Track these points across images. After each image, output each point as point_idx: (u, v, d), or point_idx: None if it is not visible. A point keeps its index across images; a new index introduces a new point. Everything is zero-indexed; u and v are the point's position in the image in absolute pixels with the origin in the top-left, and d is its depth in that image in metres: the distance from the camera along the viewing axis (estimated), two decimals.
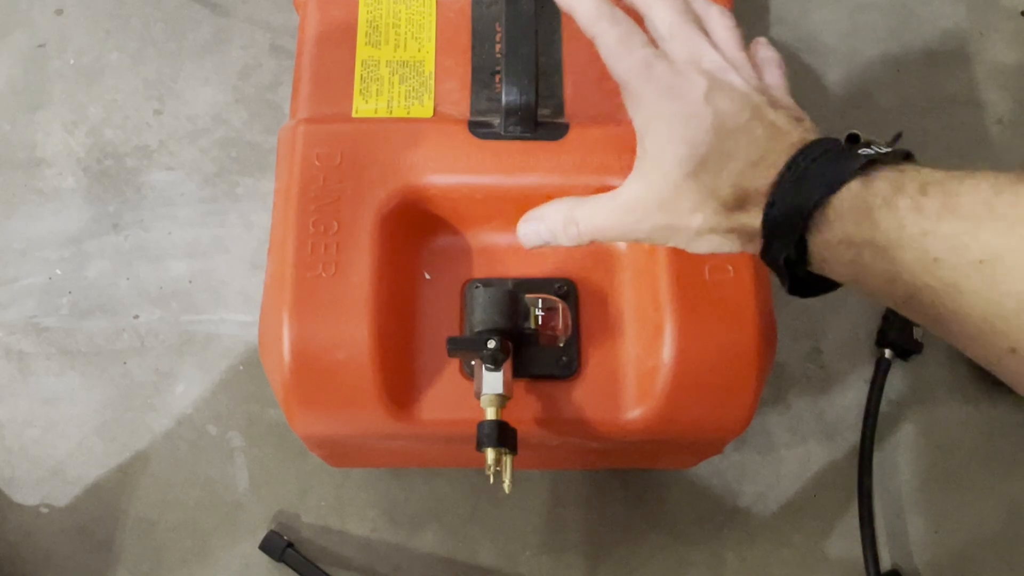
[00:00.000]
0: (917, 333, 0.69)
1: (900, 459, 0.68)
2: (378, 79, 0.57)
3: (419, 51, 0.58)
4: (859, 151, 0.38)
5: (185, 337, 0.70)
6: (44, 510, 0.66)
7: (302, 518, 0.65)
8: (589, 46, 0.59)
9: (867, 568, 0.63)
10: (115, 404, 0.68)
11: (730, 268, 0.52)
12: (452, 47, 0.58)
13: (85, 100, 0.78)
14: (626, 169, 0.53)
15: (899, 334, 0.69)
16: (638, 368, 0.52)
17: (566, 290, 0.54)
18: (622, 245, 0.55)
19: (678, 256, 0.52)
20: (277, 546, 0.63)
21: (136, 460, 0.67)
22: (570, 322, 0.52)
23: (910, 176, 0.37)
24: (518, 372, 0.50)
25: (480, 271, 0.55)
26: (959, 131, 0.78)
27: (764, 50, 0.46)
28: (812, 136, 0.40)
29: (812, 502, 0.67)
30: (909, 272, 0.35)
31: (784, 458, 0.68)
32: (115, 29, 0.80)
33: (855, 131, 0.40)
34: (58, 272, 0.72)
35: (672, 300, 0.51)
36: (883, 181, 0.37)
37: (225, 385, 0.69)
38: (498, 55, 0.58)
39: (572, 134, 0.54)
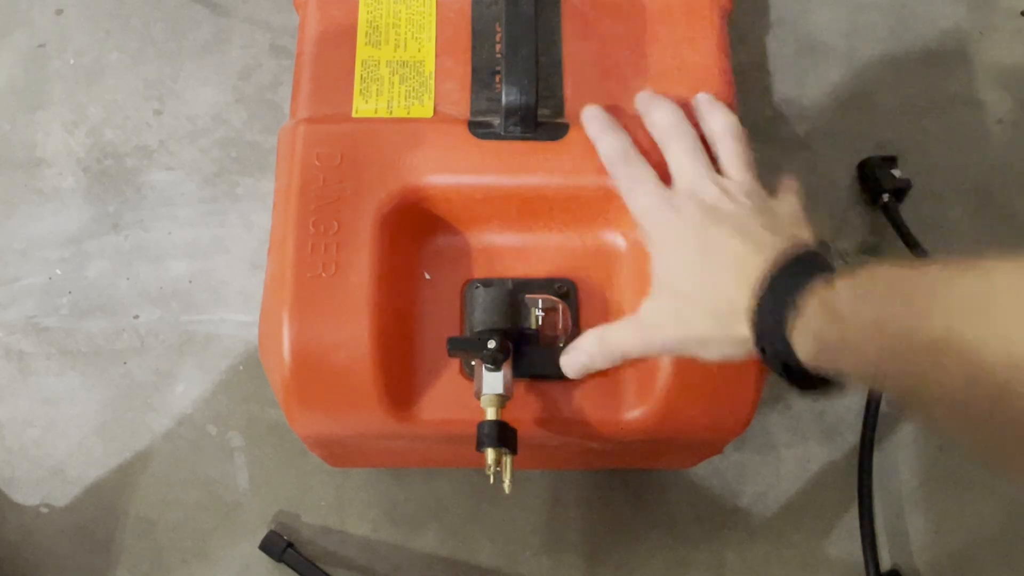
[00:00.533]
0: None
1: (900, 459, 0.68)
2: (378, 79, 0.57)
3: (419, 51, 0.58)
4: (827, 257, 0.43)
5: (185, 337, 0.70)
6: (44, 510, 0.66)
7: (302, 518, 0.65)
8: (589, 46, 0.59)
9: (867, 568, 0.63)
10: (115, 404, 0.68)
11: None
12: (452, 47, 0.58)
13: (85, 100, 0.78)
14: None
15: None
16: (638, 368, 0.52)
17: (566, 290, 0.54)
18: (622, 245, 0.55)
19: None
20: (277, 546, 0.63)
21: (136, 460, 0.67)
22: (570, 322, 0.52)
23: (861, 272, 0.40)
24: (518, 372, 0.50)
25: (480, 271, 0.55)
26: (959, 131, 0.78)
27: (786, 180, 0.52)
28: (791, 248, 0.44)
29: (812, 502, 0.67)
30: (876, 364, 0.38)
31: (784, 458, 0.68)
32: (115, 29, 0.80)
33: (827, 243, 0.43)
34: (58, 272, 0.72)
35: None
36: (842, 280, 0.40)
37: (225, 385, 0.69)
38: (498, 55, 0.58)
39: (572, 134, 0.54)
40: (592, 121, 0.53)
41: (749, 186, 0.50)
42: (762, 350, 0.43)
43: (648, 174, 0.51)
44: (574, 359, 0.50)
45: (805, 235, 0.47)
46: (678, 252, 0.48)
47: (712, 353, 0.47)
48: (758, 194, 0.49)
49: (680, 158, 0.51)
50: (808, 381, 0.43)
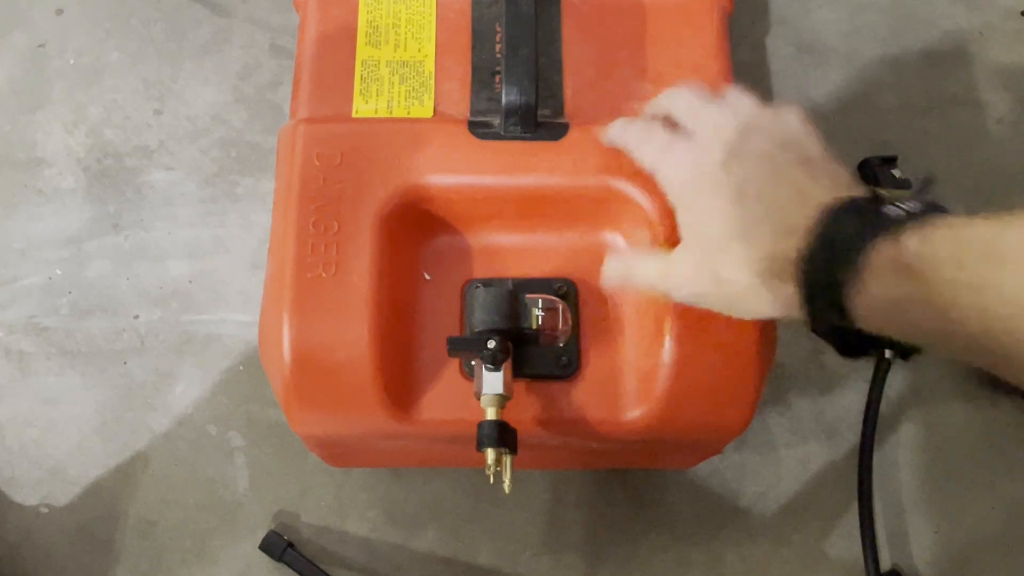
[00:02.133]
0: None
1: (900, 459, 0.68)
2: (378, 79, 0.57)
3: (419, 51, 0.58)
4: (884, 210, 0.38)
5: (185, 337, 0.70)
6: (44, 510, 0.66)
7: (302, 518, 0.65)
8: (589, 46, 0.59)
9: (867, 568, 0.63)
10: (115, 404, 0.68)
11: None
12: (452, 47, 0.58)
13: (85, 100, 0.78)
14: (626, 169, 0.54)
15: None
16: (638, 368, 0.52)
17: (566, 290, 0.54)
18: (622, 245, 0.55)
19: None
20: (277, 546, 0.63)
21: (136, 460, 0.67)
22: (570, 322, 0.52)
23: (940, 231, 0.36)
24: (518, 372, 0.50)
25: (480, 271, 0.55)
26: (959, 131, 0.78)
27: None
28: (837, 194, 0.40)
29: (812, 502, 0.67)
30: (961, 325, 0.35)
31: (784, 458, 0.68)
32: (115, 29, 0.80)
33: (877, 190, 0.40)
34: (58, 272, 0.72)
35: (672, 300, 0.51)
36: (914, 238, 0.36)
37: (225, 385, 0.69)
38: (498, 55, 0.58)
39: (572, 134, 0.54)
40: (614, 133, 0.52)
41: (771, 119, 0.45)
42: (809, 310, 0.40)
43: (655, 125, 0.48)
44: (608, 273, 0.50)
45: (846, 178, 0.42)
46: (704, 199, 0.43)
47: (742, 310, 0.44)
48: (783, 128, 0.45)
49: (689, 100, 0.47)
50: (855, 344, 0.40)
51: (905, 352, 0.69)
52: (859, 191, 0.41)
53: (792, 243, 0.39)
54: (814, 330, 0.41)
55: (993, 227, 0.35)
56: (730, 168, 0.43)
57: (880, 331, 0.38)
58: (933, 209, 0.38)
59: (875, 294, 0.37)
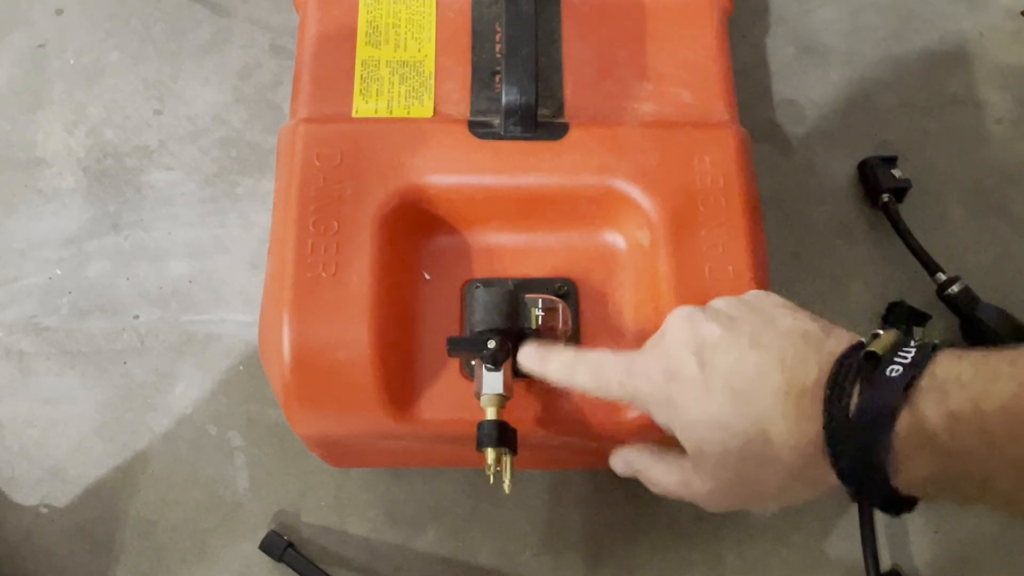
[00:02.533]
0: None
1: None
2: (378, 79, 0.57)
3: (419, 51, 0.58)
4: (887, 372, 0.36)
5: (185, 337, 0.70)
6: (44, 510, 0.66)
7: (302, 518, 0.65)
8: (589, 46, 0.59)
9: (867, 568, 0.62)
10: (115, 404, 0.68)
11: (730, 268, 0.52)
12: (452, 47, 0.58)
13: (85, 100, 0.78)
14: (626, 169, 0.54)
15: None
16: None
17: (566, 290, 0.54)
18: (622, 245, 0.55)
19: (678, 256, 0.52)
20: (277, 546, 0.63)
21: (136, 460, 0.67)
22: (570, 322, 0.52)
23: (955, 397, 0.34)
24: (518, 372, 0.50)
25: (480, 271, 0.55)
26: (959, 131, 0.78)
27: None
28: (829, 353, 0.37)
29: (812, 502, 0.66)
30: (1017, 488, 0.34)
31: None
32: (115, 29, 0.80)
33: (864, 343, 0.38)
34: (58, 272, 0.72)
35: (672, 300, 0.51)
36: (932, 407, 0.34)
37: (225, 385, 0.69)
38: (498, 55, 0.58)
39: (572, 134, 0.54)
40: (528, 360, 0.48)
41: (734, 298, 0.43)
42: (857, 494, 0.38)
43: (606, 357, 0.44)
44: (615, 466, 0.48)
45: (817, 335, 0.39)
46: (696, 416, 0.40)
47: (788, 502, 0.41)
48: (749, 302, 0.42)
49: (639, 361, 0.43)
50: (910, 505, 0.38)
51: None
52: (848, 347, 0.38)
53: (811, 427, 0.37)
54: (862, 503, 0.39)
55: (1000, 383, 0.33)
56: (708, 368, 0.39)
57: (938, 499, 0.37)
58: (931, 352, 0.36)
59: (914, 473, 0.35)
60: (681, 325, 0.42)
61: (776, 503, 0.41)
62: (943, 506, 0.66)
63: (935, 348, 0.36)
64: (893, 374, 0.35)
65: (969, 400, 0.34)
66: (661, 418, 0.42)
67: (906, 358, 0.36)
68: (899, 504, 0.38)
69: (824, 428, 0.36)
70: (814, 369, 0.37)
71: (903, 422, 0.34)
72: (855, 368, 0.37)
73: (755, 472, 0.39)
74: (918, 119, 0.78)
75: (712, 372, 0.39)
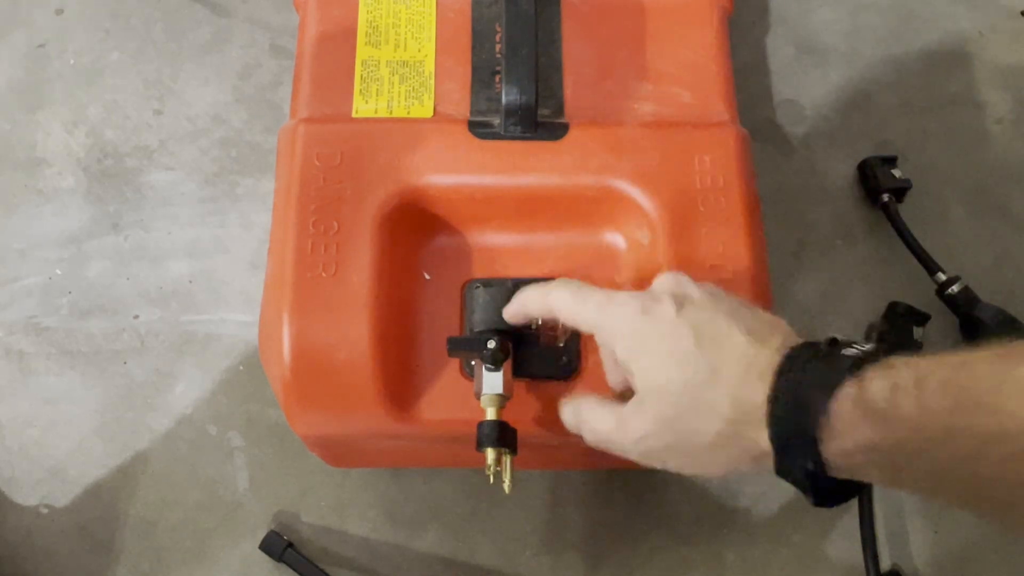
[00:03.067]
0: (917, 333, 0.69)
1: None
2: (378, 79, 0.57)
3: (419, 51, 0.58)
4: (843, 352, 0.37)
5: (185, 337, 0.70)
6: (44, 510, 0.66)
7: (302, 518, 0.65)
8: (589, 46, 0.59)
9: (867, 568, 0.63)
10: (115, 404, 0.68)
11: (730, 268, 0.52)
12: (452, 47, 0.58)
13: (85, 100, 0.78)
14: (626, 169, 0.54)
15: (899, 334, 0.69)
16: None
17: None
18: (622, 245, 0.55)
19: (678, 256, 0.52)
20: (277, 546, 0.63)
21: (136, 460, 0.67)
22: None
23: (902, 372, 0.35)
24: (518, 372, 0.50)
25: (480, 271, 0.55)
26: (959, 131, 0.78)
27: None
28: (792, 340, 0.39)
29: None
30: (950, 473, 0.34)
31: None
32: (115, 29, 0.80)
33: (834, 335, 0.39)
34: (58, 272, 0.72)
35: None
36: (878, 380, 0.36)
37: (225, 385, 0.69)
38: (498, 55, 0.58)
39: (572, 134, 0.54)
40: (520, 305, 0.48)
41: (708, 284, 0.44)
42: (781, 462, 0.38)
43: (585, 287, 0.45)
44: (563, 417, 0.48)
45: (788, 329, 0.41)
46: (661, 344, 0.41)
47: (707, 462, 0.41)
48: (716, 289, 0.44)
49: (621, 294, 0.44)
50: (832, 492, 0.39)
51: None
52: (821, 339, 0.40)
53: (756, 386, 0.38)
54: (786, 477, 0.39)
55: (947, 370, 0.34)
56: (684, 313, 0.41)
57: (864, 477, 0.37)
58: (890, 351, 0.37)
59: (849, 441, 0.36)
60: (669, 279, 0.44)
61: (700, 464, 0.42)
62: (943, 506, 0.66)
63: (894, 349, 0.38)
64: (847, 353, 0.37)
65: (913, 376, 0.35)
66: (623, 351, 0.42)
67: (864, 347, 0.38)
68: (821, 485, 0.38)
69: (769, 391, 0.38)
70: (777, 343, 0.39)
71: (847, 391, 0.36)
72: (815, 349, 0.38)
73: (694, 418, 0.40)
74: (918, 119, 0.78)
75: (685, 318, 0.41)
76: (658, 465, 0.43)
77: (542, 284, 0.47)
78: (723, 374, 0.39)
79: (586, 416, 0.46)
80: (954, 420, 0.33)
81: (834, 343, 0.38)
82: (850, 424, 0.35)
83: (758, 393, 0.38)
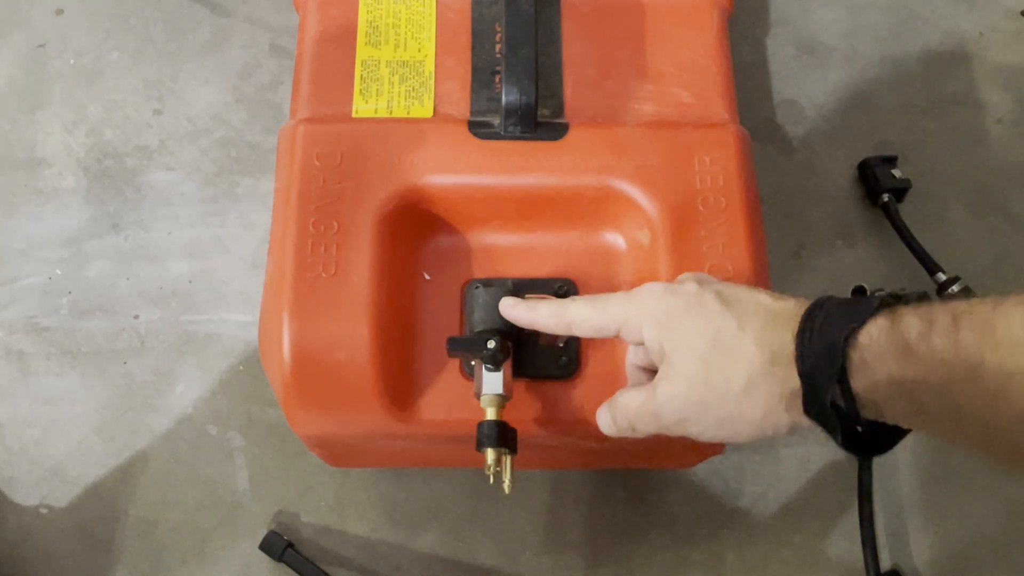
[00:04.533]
0: None
1: (900, 459, 0.68)
2: (378, 79, 0.57)
3: (419, 51, 0.58)
4: (873, 294, 0.39)
5: (185, 337, 0.70)
6: (44, 510, 0.66)
7: (302, 518, 0.65)
8: (589, 46, 0.59)
9: (867, 568, 0.63)
10: (115, 404, 0.68)
11: (730, 268, 0.52)
12: (452, 47, 0.58)
13: (85, 100, 0.78)
14: (626, 169, 0.54)
15: None
16: None
17: (566, 290, 0.54)
18: (622, 245, 0.55)
19: (678, 256, 0.52)
20: (277, 546, 0.63)
21: (136, 460, 0.67)
22: None
23: (938, 309, 0.36)
24: (518, 372, 0.50)
25: (480, 271, 0.55)
26: (959, 131, 0.78)
27: None
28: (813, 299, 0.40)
29: (812, 502, 0.67)
30: (972, 411, 0.34)
31: (784, 458, 0.68)
32: (115, 29, 0.80)
33: (860, 284, 0.40)
34: (58, 272, 0.72)
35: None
36: (911, 316, 0.36)
37: (225, 385, 0.69)
38: (498, 55, 0.58)
39: (572, 134, 0.54)
40: (512, 309, 0.49)
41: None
42: (809, 395, 0.38)
43: (602, 294, 0.46)
44: (602, 422, 0.47)
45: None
46: (689, 315, 0.42)
47: (736, 416, 0.41)
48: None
49: (641, 287, 0.46)
50: (866, 439, 0.39)
51: None
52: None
53: (783, 328, 0.39)
54: (814, 416, 0.39)
55: (983, 308, 0.35)
56: (706, 286, 0.43)
57: (890, 417, 0.37)
58: (921, 296, 0.38)
59: (880, 372, 0.36)
60: (689, 274, 0.46)
61: (732, 421, 0.41)
62: (943, 506, 0.66)
63: (926, 295, 0.38)
64: (878, 295, 0.38)
65: (949, 314, 0.35)
66: (651, 331, 0.43)
67: (893, 292, 0.38)
68: (849, 426, 0.38)
69: (797, 329, 0.39)
70: (800, 301, 0.40)
71: (879, 322, 0.36)
72: (841, 298, 0.39)
73: (724, 366, 0.40)
74: (918, 119, 0.78)
75: (708, 288, 0.43)
76: (693, 431, 0.43)
77: (555, 302, 0.47)
78: (749, 323, 0.40)
79: (620, 403, 0.46)
80: (984, 355, 0.33)
81: (861, 290, 0.39)
82: (879, 356, 0.36)
83: (786, 334, 0.39)
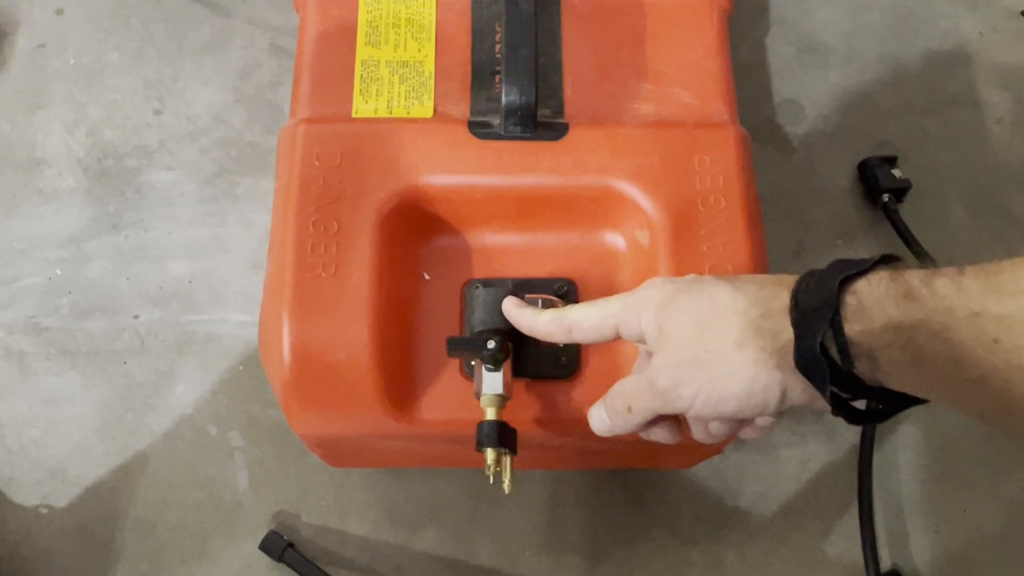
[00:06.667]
0: None
1: (900, 459, 0.68)
2: (378, 79, 0.57)
3: (419, 51, 0.58)
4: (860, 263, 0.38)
5: (185, 337, 0.70)
6: (44, 510, 0.66)
7: (302, 518, 0.65)
8: (589, 46, 0.59)
9: (867, 568, 0.63)
10: (115, 404, 0.68)
11: (730, 268, 0.52)
12: (452, 47, 0.58)
13: (85, 100, 0.78)
14: (626, 169, 0.54)
15: None
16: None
17: (566, 290, 0.54)
18: (622, 245, 0.55)
19: (678, 256, 0.52)
20: (277, 546, 0.63)
21: (136, 460, 0.67)
22: None
23: (940, 266, 0.36)
24: (518, 372, 0.50)
25: (480, 271, 0.55)
26: (959, 131, 0.78)
27: None
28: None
29: (812, 502, 0.67)
30: (971, 355, 0.34)
31: (784, 458, 0.68)
32: (115, 29, 0.80)
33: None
34: (58, 272, 0.72)
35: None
36: (914, 269, 0.37)
37: (225, 385, 0.69)
38: (498, 55, 0.58)
39: (572, 134, 0.54)
40: (512, 309, 0.49)
41: None
42: (800, 341, 0.38)
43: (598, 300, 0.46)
44: (594, 419, 0.47)
45: None
46: (688, 293, 0.43)
47: (732, 377, 0.40)
48: None
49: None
50: (847, 404, 0.39)
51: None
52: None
53: (782, 290, 0.40)
54: (806, 369, 0.38)
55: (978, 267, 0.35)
56: (706, 275, 0.44)
57: (885, 373, 0.37)
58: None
59: (877, 318, 0.36)
60: (689, 275, 0.46)
61: (723, 376, 0.40)
62: (943, 506, 0.66)
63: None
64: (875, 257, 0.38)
65: (953, 267, 0.36)
66: (650, 316, 0.43)
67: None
68: (840, 384, 0.38)
69: (793, 287, 0.39)
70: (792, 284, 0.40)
71: (879, 273, 0.37)
72: (843, 260, 0.39)
73: (716, 324, 0.41)
74: (918, 119, 0.78)
75: (707, 276, 0.44)
76: (686, 394, 0.42)
77: (554, 310, 0.47)
78: (744, 287, 0.41)
79: (615, 388, 0.46)
80: (987, 299, 0.34)
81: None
82: (878, 302, 0.36)
83: (782, 292, 0.39)
